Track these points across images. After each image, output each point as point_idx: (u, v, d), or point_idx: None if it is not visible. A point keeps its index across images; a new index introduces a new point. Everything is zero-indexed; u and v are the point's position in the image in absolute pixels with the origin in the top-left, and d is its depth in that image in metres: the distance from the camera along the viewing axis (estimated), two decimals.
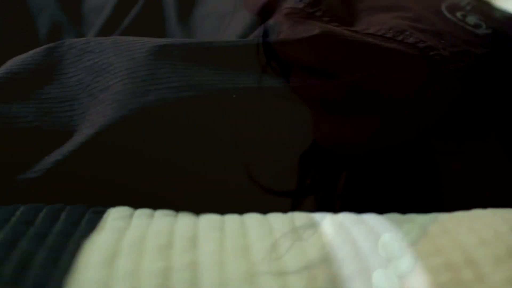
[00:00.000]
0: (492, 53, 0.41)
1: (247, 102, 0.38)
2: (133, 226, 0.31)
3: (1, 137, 0.36)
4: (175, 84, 0.37)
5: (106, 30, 0.51)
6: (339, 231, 0.30)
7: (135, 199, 0.34)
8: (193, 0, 0.53)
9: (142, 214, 0.33)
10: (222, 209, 0.34)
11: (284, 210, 0.34)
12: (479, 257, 0.28)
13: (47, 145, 0.36)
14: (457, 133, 0.40)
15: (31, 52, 0.40)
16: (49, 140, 0.36)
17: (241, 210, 0.34)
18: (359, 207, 0.33)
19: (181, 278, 0.26)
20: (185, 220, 0.32)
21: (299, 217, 0.32)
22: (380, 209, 0.33)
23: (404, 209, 0.33)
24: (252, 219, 0.32)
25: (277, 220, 0.32)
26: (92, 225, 0.31)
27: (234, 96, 0.38)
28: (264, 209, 0.34)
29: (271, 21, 0.42)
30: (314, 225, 0.31)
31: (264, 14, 0.44)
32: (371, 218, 0.32)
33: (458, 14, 0.44)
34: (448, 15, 0.43)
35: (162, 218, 0.32)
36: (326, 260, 0.28)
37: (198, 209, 0.34)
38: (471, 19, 0.43)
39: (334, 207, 0.34)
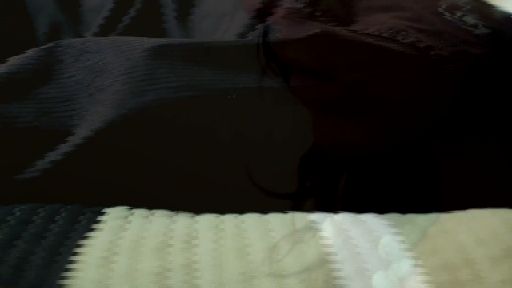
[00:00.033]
0: (491, 53, 0.41)
1: (246, 102, 0.38)
2: (131, 226, 0.31)
3: (0, 137, 0.36)
4: (173, 84, 0.37)
5: (105, 30, 0.51)
6: (338, 232, 0.30)
7: (134, 199, 0.34)
8: (192, 0, 0.53)
9: (140, 214, 0.33)
10: (221, 210, 0.34)
11: (284, 211, 0.34)
12: (477, 257, 0.28)
13: (45, 145, 0.36)
14: (457, 133, 0.40)
15: (29, 52, 0.40)
16: (48, 140, 0.36)
17: (240, 210, 0.34)
18: (359, 209, 0.33)
19: (178, 278, 0.26)
20: (183, 220, 0.32)
21: (297, 218, 0.32)
22: (381, 211, 0.33)
23: (404, 211, 0.33)
24: (250, 219, 0.32)
25: (276, 221, 0.32)
26: (90, 225, 0.31)
27: (233, 96, 0.38)
28: (263, 210, 0.34)
29: (269, 21, 0.42)
30: (313, 227, 0.31)
31: (262, 14, 0.44)
32: (370, 219, 0.32)
33: (457, 14, 0.44)
34: (447, 15, 0.43)
35: (160, 218, 0.32)
36: (325, 261, 0.28)
37: (197, 209, 0.34)
38: (470, 19, 0.43)
39: (334, 209, 0.34)
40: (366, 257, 0.28)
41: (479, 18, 0.44)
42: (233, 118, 0.38)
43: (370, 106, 0.38)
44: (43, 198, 0.34)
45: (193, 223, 0.31)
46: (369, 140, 0.39)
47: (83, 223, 0.31)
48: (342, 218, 0.32)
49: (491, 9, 0.48)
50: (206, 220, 0.32)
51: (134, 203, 0.34)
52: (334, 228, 0.30)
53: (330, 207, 0.38)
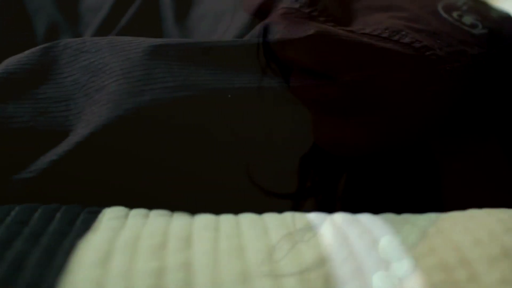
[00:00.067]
0: (488, 53, 0.41)
1: (243, 102, 0.38)
2: (128, 226, 0.31)
3: None
4: (170, 84, 0.37)
5: (103, 30, 0.51)
6: (336, 232, 0.30)
7: (130, 199, 0.34)
8: (190, 0, 0.53)
9: (137, 214, 0.33)
10: (219, 210, 0.34)
11: (283, 211, 0.34)
12: (474, 257, 0.28)
13: (42, 145, 0.36)
14: (457, 133, 0.40)
15: (27, 52, 0.40)
16: (45, 140, 0.36)
17: (238, 210, 0.34)
18: (359, 209, 0.33)
19: (174, 278, 0.26)
20: (179, 220, 0.32)
21: (294, 218, 0.32)
22: (381, 211, 0.33)
23: (404, 211, 0.33)
24: (247, 219, 0.32)
25: (273, 221, 0.32)
26: (87, 225, 0.31)
27: (229, 96, 0.37)
28: (262, 210, 0.34)
29: (267, 21, 0.42)
30: (311, 227, 0.31)
31: (260, 14, 0.44)
32: (368, 219, 0.32)
33: (455, 14, 0.44)
34: (445, 15, 0.43)
35: (157, 218, 0.32)
36: (323, 262, 0.27)
37: (194, 210, 0.34)
38: (468, 19, 0.43)
39: (334, 210, 0.34)
40: (365, 257, 0.28)
41: (477, 18, 0.44)
42: (230, 118, 0.38)
43: (370, 106, 0.38)
44: (40, 198, 0.34)
45: (190, 223, 0.31)
46: (369, 140, 0.39)
47: (80, 223, 0.31)
48: (340, 219, 0.32)
49: (489, 9, 0.48)
50: (203, 220, 0.32)
51: (130, 203, 0.34)
52: (332, 229, 0.30)
53: (330, 207, 0.38)
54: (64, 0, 0.55)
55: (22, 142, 0.36)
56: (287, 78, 0.40)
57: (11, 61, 0.39)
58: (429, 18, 0.43)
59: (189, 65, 0.38)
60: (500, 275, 0.27)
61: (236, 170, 0.38)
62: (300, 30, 0.39)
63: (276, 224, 0.31)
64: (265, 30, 0.41)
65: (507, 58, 0.43)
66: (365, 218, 0.32)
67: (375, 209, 0.33)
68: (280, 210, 0.34)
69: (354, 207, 0.34)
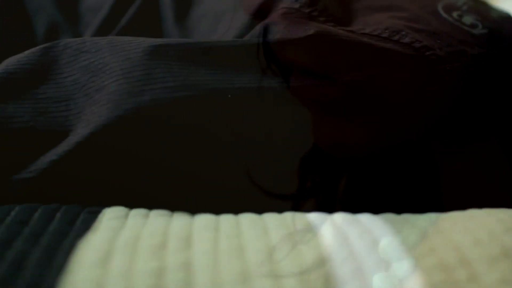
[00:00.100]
0: (488, 53, 0.41)
1: (243, 102, 0.38)
2: (128, 226, 0.31)
3: None
4: (170, 84, 0.37)
5: (103, 30, 0.51)
6: (336, 233, 0.30)
7: (130, 199, 0.34)
8: (190, 0, 0.53)
9: (137, 214, 0.33)
10: (219, 210, 0.34)
11: (283, 212, 0.34)
12: (474, 257, 0.28)
13: (42, 145, 0.36)
14: (457, 133, 0.40)
15: (27, 52, 0.40)
16: (45, 140, 0.36)
17: (238, 211, 0.34)
18: (360, 210, 0.33)
19: (174, 278, 0.26)
20: (179, 220, 0.32)
21: (294, 218, 0.32)
22: (381, 212, 0.33)
23: (405, 211, 0.33)
24: (247, 219, 0.32)
25: (273, 221, 0.32)
26: (87, 225, 0.31)
27: (229, 96, 0.37)
28: (262, 211, 0.34)
29: (267, 21, 0.42)
30: (311, 228, 0.31)
31: (260, 14, 0.44)
32: (368, 219, 0.32)
33: (455, 14, 0.44)
34: (445, 15, 0.43)
35: (157, 218, 0.32)
36: (323, 262, 0.27)
37: (194, 210, 0.34)
38: (468, 19, 0.43)
39: (334, 210, 0.34)
40: (365, 257, 0.28)
41: (477, 18, 0.44)
42: (230, 118, 0.38)
43: (370, 106, 0.38)
44: (40, 198, 0.34)
45: (190, 223, 0.31)
46: (369, 141, 0.39)
47: (80, 223, 0.31)
48: (340, 219, 0.32)
49: (489, 9, 0.48)
50: (203, 220, 0.32)
51: (130, 203, 0.34)
52: (332, 229, 0.30)
53: (331, 208, 0.38)
54: (64, 0, 0.55)
55: (22, 142, 0.36)
56: (287, 78, 0.40)
57: (11, 61, 0.39)
58: (429, 18, 0.43)
59: (189, 65, 0.38)
60: (500, 275, 0.27)
61: (236, 170, 0.38)
62: (300, 30, 0.39)
63: (276, 224, 0.31)
64: (265, 30, 0.41)
65: (507, 58, 0.42)
66: (365, 218, 0.32)
67: (376, 210, 0.33)
68: (280, 210, 0.34)
69: (354, 208, 0.34)
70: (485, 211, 0.33)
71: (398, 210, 0.34)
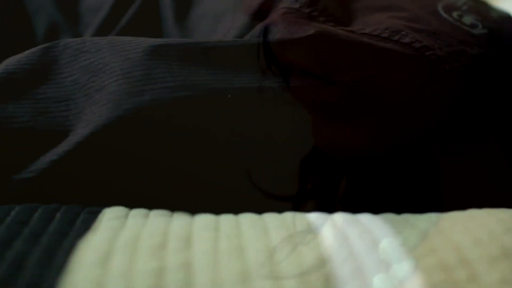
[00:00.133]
0: (488, 53, 0.41)
1: (243, 102, 0.38)
2: (128, 226, 0.31)
3: None
4: (170, 84, 0.37)
5: (103, 30, 0.51)
6: (337, 233, 0.30)
7: (130, 199, 0.34)
8: (190, 0, 0.53)
9: (137, 214, 0.33)
10: (218, 210, 0.34)
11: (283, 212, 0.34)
12: (473, 257, 0.28)
13: (42, 145, 0.36)
14: (457, 134, 0.40)
15: (27, 52, 0.40)
16: (45, 140, 0.36)
17: (238, 211, 0.34)
18: (360, 211, 0.33)
19: (174, 278, 0.26)
20: (179, 220, 0.32)
21: (294, 218, 0.32)
22: (382, 213, 0.33)
23: (405, 212, 0.33)
24: (247, 219, 0.32)
25: (272, 221, 0.32)
26: (87, 225, 0.31)
27: (229, 96, 0.37)
28: (262, 211, 0.34)
29: (267, 21, 0.42)
30: (311, 228, 0.31)
31: (260, 15, 0.44)
32: (368, 219, 0.32)
33: (455, 14, 0.44)
34: (445, 15, 0.43)
35: (157, 218, 0.32)
36: (323, 263, 0.27)
37: (194, 210, 0.34)
38: (468, 19, 0.43)
39: (335, 212, 0.34)
40: (365, 258, 0.28)
41: (477, 18, 0.44)
42: (230, 118, 0.38)
43: (370, 107, 0.38)
44: (40, 198, 0.34)
45: (190, 223, 0.31)
46: (369, 142, 0.39)
47: (80, 223, 0.31)
48: (340, 219, 0.32)
49: (489, 9, 0.48)
50: (203, 220, 0.32)
51: (130, 203, 0.34)
52: (332, 229, 0.30)
53: (331, 209, 0.38)
54: (64, 0, 0.55)
55: (22, 142, 0.36)
56: (287, 79, 0.40)
57: (11, 61, 0.39)
58: (429, 18, 0.43)
59: (189, 65, 0.38)
60: (500, 275, 0.27)
61: (236, 171, 0.38)
62: (300, 30, 0.39)
63: (276, 224, 0.31)
64: (266, 31, 0.41)
65: (507, 58, 0.42)
66: (365, 218, 0.32)
67: (376, 211, 0.33)
68: (280, 211, 0.34)
69: (355, 209, 0.34)
70: (485, 211, 0.33)
71: (399, 211, 0.34)
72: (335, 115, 0.39)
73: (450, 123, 0.40)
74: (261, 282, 0.26)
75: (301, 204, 0.39)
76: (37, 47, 0.40)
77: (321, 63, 0.39)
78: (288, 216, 0.33)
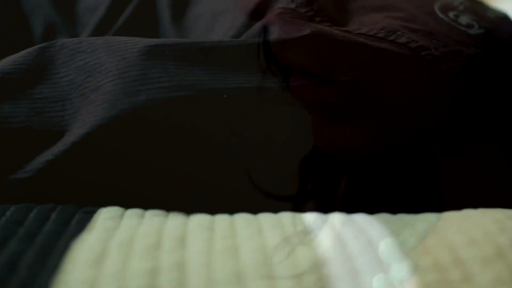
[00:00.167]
0: (484, 53, 0.41)
1: (240, 102, 0.38)
2: (123, 226, 0.31)
3: None
4: (166, 84, 0.37)
5: (100, 30, 0.51)
6: (332, 233, 0.30)
7: (126, 199, 0.34)
8: (187, 0, 0.53)
9: (132, 214, 0.33)
10: (215, 210, 0.33)
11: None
12: (468, 257, 0.28)
13: (38, 145, 0.36)
14: (456, 134, 0.40)
15: (23, 52, 0.40)
16: (41, 140, 0.36)
17: (237, 211, 0.34)
18: (360, 212, 0.33)
19: (168, 278, 0.26)
20: (174, 220, 0.32)
21: (289, 218, 0.32)
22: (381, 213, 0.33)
23: (405, 213, 0.33)
24: (242, 219, 0.32)
25: (267, 220, 0.32)
26: (82, 225, 0.31)
27: (225, 96, 0.37)
28: (261, 211, 0.34)
29: (263, 21, 0.42)
30: (306, 228, 0.31)
31: (256, 15, 0.44)
32: (364, 220, 0.32)
33: (451, 14, 0.44)
34: (441, 15, 0.43)
35: (152, 218, 0.32)
36: (318, 264, 0.27)
37: (191, 210, 0.34)
38: (464, 19, 0.43)
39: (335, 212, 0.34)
40: (359, 258, 0.28)
41: (473, 18, 0.44)
42: (227, 118, 0.38)
43: (369, 107, 0.38)
44: (35, 198, 0.34)
45: (185, 223, 0.31)
46: (369, 142, 0.39)
47: (75, 223, 0.31)
48: (336, 219, 0.32)
49: (486, 9, 0.48)
50: (198, 220, 0.32)
51: (126, 203, 0.34)
52: (327, 229, 0.30)
53: (331, 210, 0.38)
54: (61, 0, 0.55)
55: (18, 142, 0.36)
56: (287, 80, 0.40)
57: (7, 61, 0.39)
58: (425, 18, 0.43)
59: (186, 65, 0.38)
60: (494, 275, 0.27)
61: (234, 171, 0.38)
62: (296, 30, 0.39)
63: (271, 224, 0.31)
64: (265, 31, 0.41)
65: (504, 58, 0.42)
66: (360, 218, 0.32)
67: (376, 211, 0.33)
68: (280, 211, 0.34)
69: (354, 209, 0.34)
70: (481, 211, 0.33)
71: (399, 211, 0.34)
72: (335, 115, 0.39)
73: (449, 123, 0.40)
74: (255, 282, 0.26)
75: (301, 204, 0.39)
76: (33, 47, 0.40)
77: (318, 63, 0.39)
78: (283, 216, 0.33)
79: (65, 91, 0.38)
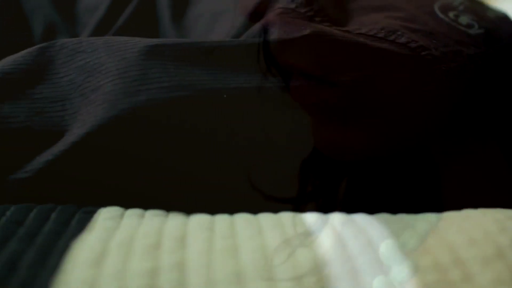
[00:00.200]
0: (484, 53, 0.41)
1: (240, 102, 0.38)
2: (123, 226, 0.31)
3: None
4: (165, 84, 0.37)
5: (100, 30, 0.51)
6: (332, 234, 0.30)
7: (126, 199, 0.34)
8: (187, 0, 0.53)
9: (132, 214, 0.33)
10: (215, 211, 0.33)
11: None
12: (468, 257, 0.28)
13: (38, 145, 0.36)
14: (456, 135, 0.40)
15: (23, 52, 0.40)
16: (41, 140, 0.36)
17: (236, 211, 0.34)
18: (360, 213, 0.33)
19: (168, 278, 0.26)
20: (174, 220, 0.32)
21: (289, 218, 0.32)
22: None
23: (405, 213, 0.33)
24: (242, 219, 0.32)
25: (267, 220, 0.32)
26: (82, 225, 0.31)
27: (225, 96, 0.37)
28: (261, 211, 0.34)
29: (263, 22, 0.42)
30: (307, 229, 0.31)
31: (256, 15, 0.44)
32: (364, 220, 0.32)
33: (451, 14, 0.44)
34: (441, 15, 0.43)
35: (152, 218, 0.32)
36: (319, 265, 0.27)
37: (191, 210, 0.34)
38: (464, 19, 0.43)
39: None
40: (359, 258, 0.28)
41: (473, 18, 0.44)
42: (227, 118, 0.38)
43: (369, 109, 0.38)
44: (35, 198, 0.34)
45: (185, 223, 0.31)
46: (369, 144, 0.39)
47: (75, 223, 0.31)
48: (336, 219, 0.32)
49: (486, 9, 0.48)
50: (198, 220, 0.32)
51: (126, 203, 0.34)
52: (327, 230, 0.30)
53: (331, 211, 0.38)
54: (61, 0, 0.55)
55: (18, 142, 0.36)
56: (287, 81, 0.40)
57: (7, 61, 0.39)
58: (425, 18, 0.43)
59: (185, 65, 0.38)
60: (494, 275, 0.27)
61: (234, 171, 0.38)
62: (296, 30, 0.39)
63: (271, 224, 0.31)
64: (265, 31, 0.41)
65: (504, 58, 0.42)
66: (360, 219, 0.32)
67: (376, 213, 0.33)
68: (279, 211, 0.34)
69: (355, 211, 0.34)
70: (481, 211, 0.33)
71: (399, 213, 0.34)
72: (335, 116, 0.39)
73: (449, 123, 0.40)
74: (255, 283, 0.26)
75: (301, 206, 0.39)
76: (33, 47, 0.40)
77: (317, 63, 0.39)
78: (284, 216, 0.33)
79: (65, 91, 0.38)
